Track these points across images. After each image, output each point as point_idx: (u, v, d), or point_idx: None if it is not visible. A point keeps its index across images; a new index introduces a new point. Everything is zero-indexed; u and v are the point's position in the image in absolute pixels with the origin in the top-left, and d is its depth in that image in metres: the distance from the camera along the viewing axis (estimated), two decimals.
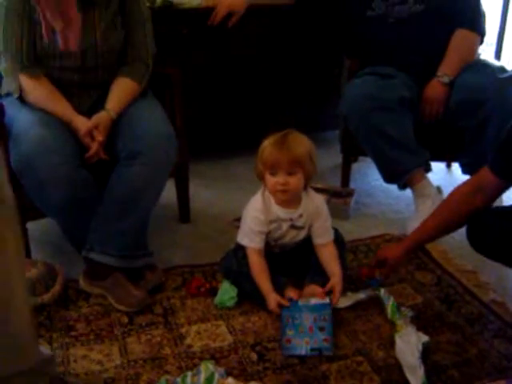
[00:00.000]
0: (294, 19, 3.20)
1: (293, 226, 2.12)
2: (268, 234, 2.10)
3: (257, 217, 2.07)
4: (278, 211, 2.08)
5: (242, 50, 3.19)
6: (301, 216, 2.11)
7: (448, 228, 2.06)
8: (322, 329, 1.91)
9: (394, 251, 2.14)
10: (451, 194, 2.04)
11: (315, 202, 2.12)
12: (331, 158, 3.42)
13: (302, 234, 2.16)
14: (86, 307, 2.10)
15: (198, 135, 3.02)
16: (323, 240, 2.14)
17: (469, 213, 1.96)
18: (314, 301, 1.98)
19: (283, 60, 3.30)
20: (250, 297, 2.10)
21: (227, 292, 2.11)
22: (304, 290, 2.05)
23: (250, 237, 2.08)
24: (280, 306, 1.98)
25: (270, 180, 2.01)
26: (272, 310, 2.00)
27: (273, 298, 2.00)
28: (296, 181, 2.01)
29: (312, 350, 1.87)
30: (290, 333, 1.91)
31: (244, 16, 2.89)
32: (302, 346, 1.88)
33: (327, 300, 1.99)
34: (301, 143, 2.01)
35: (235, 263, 2.13)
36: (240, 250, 2.12)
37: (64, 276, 2.18)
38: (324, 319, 1.93)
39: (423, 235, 2.11)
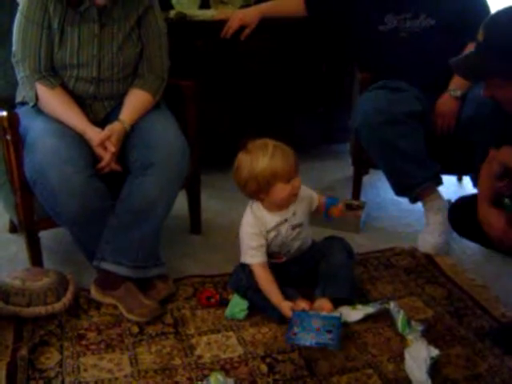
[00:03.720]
0: (307, 33, 3.21)
1: (291, 227, 2.13)
2: (270, 244, 2.12)
3: (252, 233, 2.08)
4: (273, 218, 2.10)
5: (254, 63, 3.20)
6: (294, 214, 2.12)
7: None
8: (329, 332, 1.92)
9: None
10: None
11: (301, 195, 2.13)
12: (342, 170, 3.43)
13: (304, 233, 2.18)
14: (97, 316, 2.11)
15: (209, 146, 3.04)
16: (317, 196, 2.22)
17: None
18: (324, 313, 1.99)
19: (295, 73, 3.32)
20: (261, 310, 2.11)
21: (238, 305, 2.11)
22: (314, 303, 2.06)
23: (250, 254, 2.10)
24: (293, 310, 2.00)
25: (285, 189, 2.02)
26: (288, 316, 2.00)
27: (285, 306, 2.01)
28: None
29: (317, 343, 1.88)
30: (296, 329, 1.93)
31: (256, 29, 2.90)
32: (306, 339, 1.90)
33: (338, 314, 2.00)
34: (285, 146, 2.05)
35: (244, 278, 2.14)
36: (247, 265, 2.13)
37: (75, 285, 2.19)
38: (332, 325, 1.94)
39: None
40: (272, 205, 2.08)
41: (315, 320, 1.96)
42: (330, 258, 2.18)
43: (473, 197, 2.16)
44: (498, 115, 1.98)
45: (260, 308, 2.10)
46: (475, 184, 2.71)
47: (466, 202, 2.22)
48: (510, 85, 1.80)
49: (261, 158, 2.00)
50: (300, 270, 2.22)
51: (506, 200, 1.92)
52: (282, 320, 2.03)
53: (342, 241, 2.24)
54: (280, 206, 2.10)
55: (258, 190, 2.03)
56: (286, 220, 2.11)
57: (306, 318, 1.97)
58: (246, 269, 2.13)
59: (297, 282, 2.20)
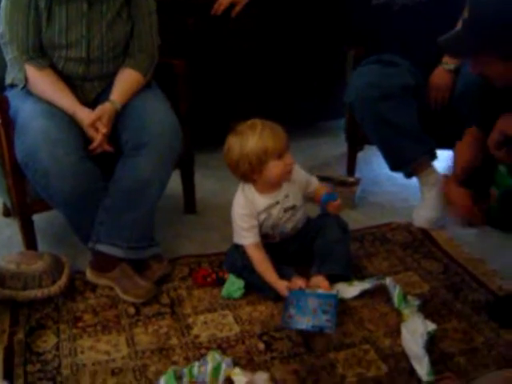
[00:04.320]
0: (299, 9, 3.18)
1: (284, 209, 2.12)
2: (261, 225, 2.11)
3: (243, 214, 2.08)
4: (264, 199, 2.09)
5: (245, 41, 3.18)
6: (287, 196, 2.12)
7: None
8: (325, 312, 1.92)
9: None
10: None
11: (294, 177, 2.13)
12: (336, 146, 3.42)
13: (299, 214, 2.17)
14: (93, 298, 2.11)
15: (202, 125, 3.02)
16: (317, 184, 2.22)
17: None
18: (321, 290, 1.99)
19: (287, 50, 3.29)
20: (257, 290, 2.11)
21: (234, 284, 2.11)
22: (310, 281, 2.06)
23: (243, 235, 2.09)
24: (289, 289, 2.00)
25: (278, 165, 2.01)
26: (284, 295, 2.00)
27: (281, 285, 2.01)
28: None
29: (313, 327, 1.88)
30: (292, 311, 1.93)
31: (247, 6, 2.87)
32: (303, 322, 1.90)
33: (335, 292, 2.00)
34: (273, 124, 2.03)
35: (239, 258, 2.13)
36: (241, 245, 2.13)
37: (70, 268, 2.18)
38: (329, 305, 1.94)
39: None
40: (266, 185, 2.07)
41: (311, 299, 1.95)
42: (325, 234, 2.17)
43: None
44: (483, 94, 1.99)
45: (256, 288, 2.10)
46: None
47: None
48: (496, 61, 1.79)
49: (250, 137, 1.99)
50: (295, 247, 2.22)
51: (501, 167, 1.92)
52: (278, 299, 2.03)
53: (336, 217, 2.23)
54: (274, 185, 2.08)
55: (251, 169, 2.01)
56: (277, 202, 2.10)
57: (302, 297, 1.96)
58: (240, 249, 2.12)
59: (293, 259, 2.20)
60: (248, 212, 2.07)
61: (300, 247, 2.22)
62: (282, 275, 2.05)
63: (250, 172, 2.02)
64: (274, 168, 2.01)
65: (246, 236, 2.08)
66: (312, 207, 2.30)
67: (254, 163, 1.99)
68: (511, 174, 1.90)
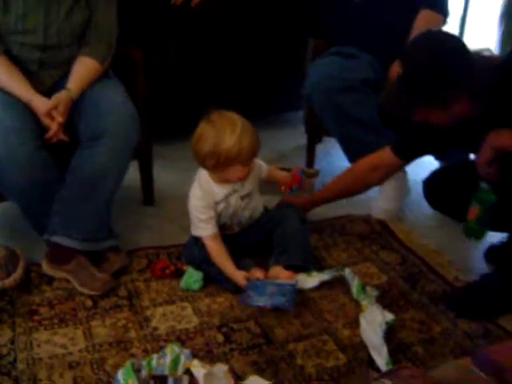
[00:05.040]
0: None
1: (240, 197, 2.12)
2: (220, 215, 2.10)
3: (200, 206, 2.06)
4: (222, 189, 2.08)
5: (205, 31, 3.15)
6: (243, 184, 2.11)
7: (347, 193, 2.47)
8: (284, 295, 1.93)
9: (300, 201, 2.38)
10: (355, 165, 2.44)
11: None
12: (295, 138, 3.42)
13: (254, 201, 2.18)
14: (50, 291, 2.07)
15: (161, 116, 2.99)
16: (268, 167, 2.25)
17: (366, 186, 2.41)
18: (280, 280, 2.00)
19: (246, 40, 3.28)
20: (215, 281, 2.09)
21: (192, 276, 2.09)
22: (269, 271, 2.06)
23: (201, 226, 2.08)
24: (247, 279, 2.00)
25: (241, 171, 1.99)
26: (242, 286, 2.00)
27: (239, 275, 2.01)
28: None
29: (272, 305, 1.91)
30: (251, 292, 1.95)
31: None
32: (261, 300, 1.91)
33: (294, 281, 2.00)
34: (251, 126, 1.99)
35: (197, 250, 2.12)
36: (199, 238, 2.11)
37: (26, 260, 2.13)
38: (288, 290, 1.95)
39: (325, 195, 2.47)
40: (220, 178, 2.06)
41: (270, 286, 1.96)
42: (283, 226, 2.17)
43: (445, 170, 2.35)
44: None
45: (215, 280, 2.09)
46: (437, 157, 2.76)
47: (439, 176, 2.32)
48: (436, 110, 1.86)
49: (228, 135, 1.92)
50: (254, 239, 2.22)
51: (483, 184, 1.95)
52: (237, 290, 2.02)
53: (294, 208, 2.24)
54: (228, 182, 2.07)
55: (215, 165, 1.97)
56: (234, 191, 2.09)
57: (260, 285, 1.97)
58: (198, 241, 2.11)
59: (252, 251, 2.20)
60: (205, 203, 2.05)
61: (259, 239, 2.22)
62: (241, 267, 2.05)
63: (212, 166, 1.99)
64: (236, 172, 1.99)
65: (204, 227, 2.07)
66: (268, 199, 2.31)
67: (222, 162, 1.94)
68: (493, 190, 1.93)
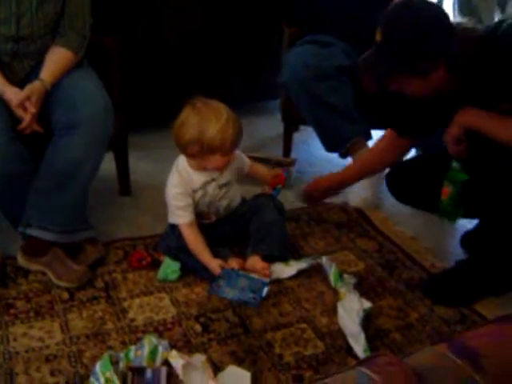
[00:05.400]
0: None
1: (218, 186, 2.11)
2: (197, 203, 2.10)
3: (177, 193, 2.05)
4: (200, 177, 2.07)
5: (180, 20, 3.13)
6: (222, 173, 2.10)
7: (367, 174, 2.44)
8: (253, 291, 1.95)
9: (320, 185, 2.41)
10: (374, 147, 2.39)
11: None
12: (272, 127, 3.41)
13: (232, 191, 2.17)
14: (26, 284, 2.05)
15: (136, 106, 2.97)
16: (248, 161, 2.27)
17: (384, 165, 2.34)
18: (254, 275, 2.01)
19: (223, 29, 3.26)
20: (193, 271, 2.09)
21: (170, 266, 2.09)
22: (247, 261, 2.06)
23: (178, 214, 2.07)
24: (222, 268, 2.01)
25: (221, 161, 1.99)
26: (217, 274, 2.00)
27: (214, 263, 2.01)
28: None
29: (239, 299, 1.93)
30: (221, 282, 1.97)
31: None
32: (229, 293, 1.94)
33: (267, 280, 2.01)
34: (235, 116, 1.99)
35: (174, 240, 2.11)
36: (177, 227, 2.10)
37: (1, 253, 2.12)
38: (258, 288, 1.96)
39: (346, 177, 2.41)
40: (199, 166, 2.05)
41: (242, 279, 1.97)
42: (261, 215, 2.17)
43: (409, 162, 2.36)
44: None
45: (192, 269, 2.09)
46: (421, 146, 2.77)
47: (402, 168, 2.30)
48: (414, 79, 1.83)
49: (213, 124, 1.92)
50: (231, 229, 2.21)
51: (454, 164, 1.94)
52: (213, 279, 2.02)
53: (272, 198, 2.24)
54: (206, 170, 2.07)
55: (197, 152, 1.97)
56: (213, 179, 2.09)
57: (234, 276, 1.98)
58: (175, 231, 2.10)
59: (230, 241, 2.20)
60: (183, 191, 2.05)
61: (236, 228, 2.22)
62: (218, 256, 2.05)
63: (193, 153, 1.98)
64: (216, 161, 1.99)
65: (181, 215, 2.06)
66: (246, 189, 2.31)
67: (205, 150, 1.95)
68: (465, 169, 1.93)
